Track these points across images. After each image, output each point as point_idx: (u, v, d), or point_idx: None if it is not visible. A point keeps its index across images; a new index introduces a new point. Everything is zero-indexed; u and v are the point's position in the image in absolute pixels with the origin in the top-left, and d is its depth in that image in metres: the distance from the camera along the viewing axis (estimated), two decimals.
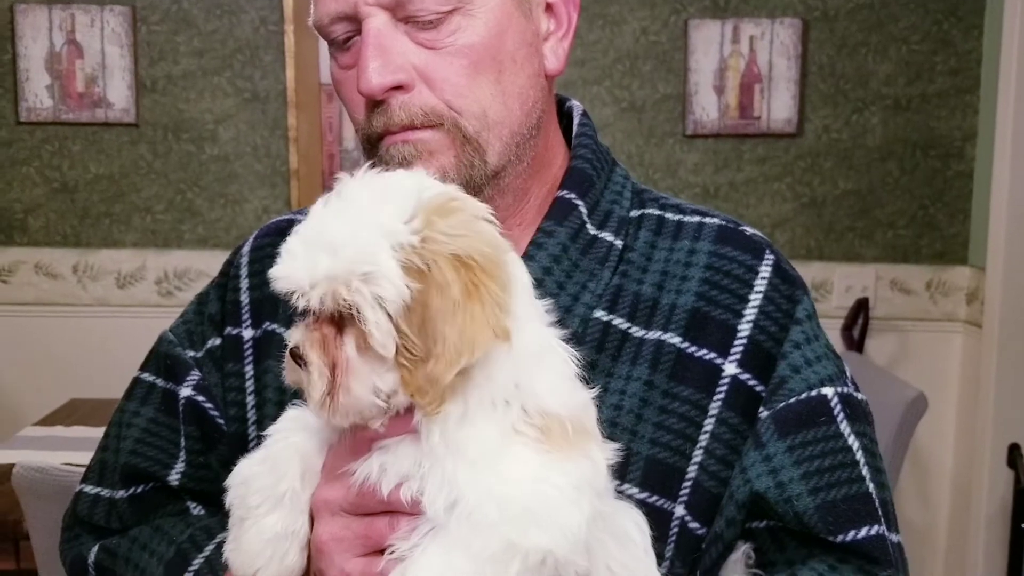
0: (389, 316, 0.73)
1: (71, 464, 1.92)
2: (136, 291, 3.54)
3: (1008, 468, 3.19)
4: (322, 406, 0.76)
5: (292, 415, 0.86)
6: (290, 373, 0.80)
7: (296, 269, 0.77)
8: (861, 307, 3.38)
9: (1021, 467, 3.14)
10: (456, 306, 0.74)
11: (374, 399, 0.75)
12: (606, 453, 0.80)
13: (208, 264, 3.50)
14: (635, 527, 0.84)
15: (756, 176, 3.43)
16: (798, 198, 3.44)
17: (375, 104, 0.92)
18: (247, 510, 0.83)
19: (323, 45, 3.52)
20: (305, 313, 0.78)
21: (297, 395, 0.89)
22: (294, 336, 0.79)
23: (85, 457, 2.31)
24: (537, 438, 0.76)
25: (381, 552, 0.78)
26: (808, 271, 3.38)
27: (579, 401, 0.80)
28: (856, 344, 3.37)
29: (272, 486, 0.82)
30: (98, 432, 2.89)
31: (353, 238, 0.75)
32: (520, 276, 0.80)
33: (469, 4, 0.91)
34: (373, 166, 0.93)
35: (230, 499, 0.84)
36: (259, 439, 1.01)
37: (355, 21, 0.92)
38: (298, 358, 0.78)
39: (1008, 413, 3.20)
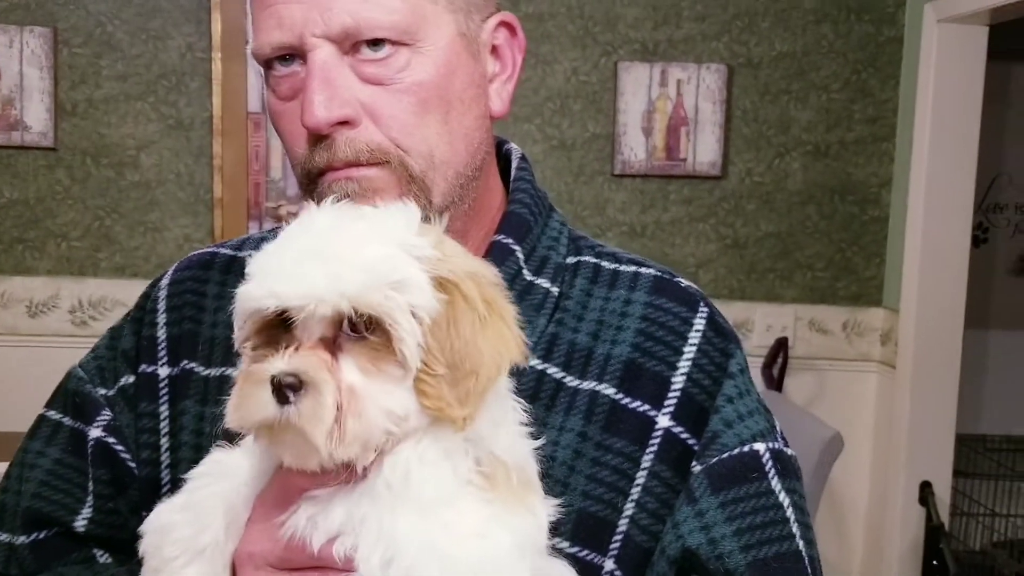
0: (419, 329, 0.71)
1: None
2: (48, 320, 3.42)
3: (920, 505, 3.27)
4: (328, 437, 0.70)
5: (216, 459, 0.81)
6: (258, 409, 0.72)
7: (300, 282, 0.71)
8: (781, 346, 3.45)
9: (932, 505, 3.22)
10: (484, 321, 0.72)
11: (388, 424, 0.71)
12: (547, 509, 0.78)
13: (125, 293, 3.41)
14: None
15: (682, 216, 3.49)
16: (721, 239, 3.51)
17: (318, 139, 0.89)
18: (162, 561, 0.78)
19: (252, 74, 3.47)
20: (266, 342, 0.73)
21: (217, 437, 0.85)
22: (276, 365, 0.71)
23: None
24: (482, 486, 0.74)
25: None
26: (730, 310, 3.44)
27: (524, 451, 0.78)
28: (776, 383, 3.43)
29: (192, 538, 0.77)
30: (4, 468, 2.77)
31: (375, 249, 0.72)
32: None
33: (420, 41, 0.89)
34: (312, 201, 0.90)
35: (144, 547, 0.80)
36: (172, 484, 0.98)
37: (299, 52, 0.89)
38: (287, 388, 0.70)
39: (920, 452, 3.29)
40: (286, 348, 0.71)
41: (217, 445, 0.82)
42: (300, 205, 0.93)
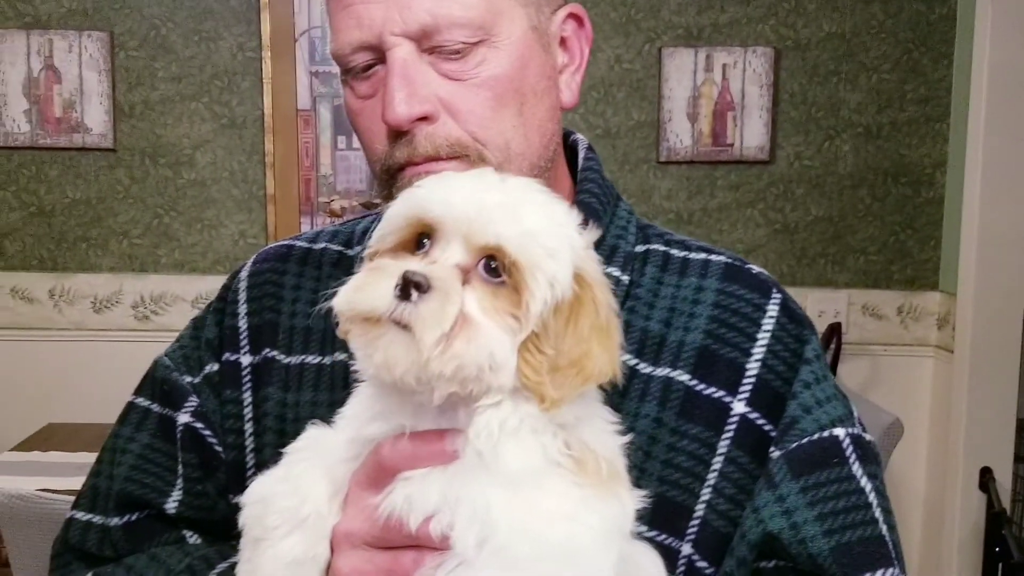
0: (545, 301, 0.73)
1: (48, 490, 1.92)
2: (112, 315, 3.52)
3: (980, 492, 3.21)
4: (436, 345, 0.70)
5: (313, 435, 0.83)
6: (375, 297, 0.72)
7: (475, 201, 0.73)
8: (834, 332, 3.41)
9: (993, 491, 3.16)
10: (601, 331, 0.75)
11: (486, 364, 0.72)
12: (635, 499, 0.79)
13: (184, 289, 3.50)
14: (655, 568, 0.84)
15: (729, 202, 3.47)
16: (771, 224, 3.47)
17: (398, 135, 0.92)
18: (264, 530, 0.79)
19: (301, 72, 3.53)
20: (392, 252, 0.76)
21: (300, 422, 0.87)
22: (410, 264, 0.73)
23: (63, 482, 2.30)
24: (573, 470, 0.75)
25: None
26: None
27: (614, 445, 0.80)
28: (829, 369, 3.39)
29: (295, 507, 0.79)
30: (76, 457, 2.89)
31: (545, 214, 0.75)
32: None
33: (494, 36, 0.92)
34: (389, 197, 0.92)
35: (244, 518, 0.81)
36: (257, 468, 1.01)
37: (378, 51, 0.92)
38: (414, 286, 0.71)
39: (979, 437, 3.23)
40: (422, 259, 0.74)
41: (312, 423, 0.84)
42: (351, 200, 0.95)
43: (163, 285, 3.52)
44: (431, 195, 0.75)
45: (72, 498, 1.11)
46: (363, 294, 0.73)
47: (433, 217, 0.75)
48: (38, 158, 3.46)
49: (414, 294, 0.71)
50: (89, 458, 1.12)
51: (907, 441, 3.23)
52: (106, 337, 3.51)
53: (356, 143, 3.64)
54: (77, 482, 1.13)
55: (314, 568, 0.80)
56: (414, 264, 0.73)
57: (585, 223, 1.00)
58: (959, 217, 3.29)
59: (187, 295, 3.50)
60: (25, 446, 2.94)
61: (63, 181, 3.48)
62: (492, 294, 0.73)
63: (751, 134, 3.41)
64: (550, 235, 0.74)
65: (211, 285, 3.30)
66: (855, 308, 3.49)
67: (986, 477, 3.21)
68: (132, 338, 3.47)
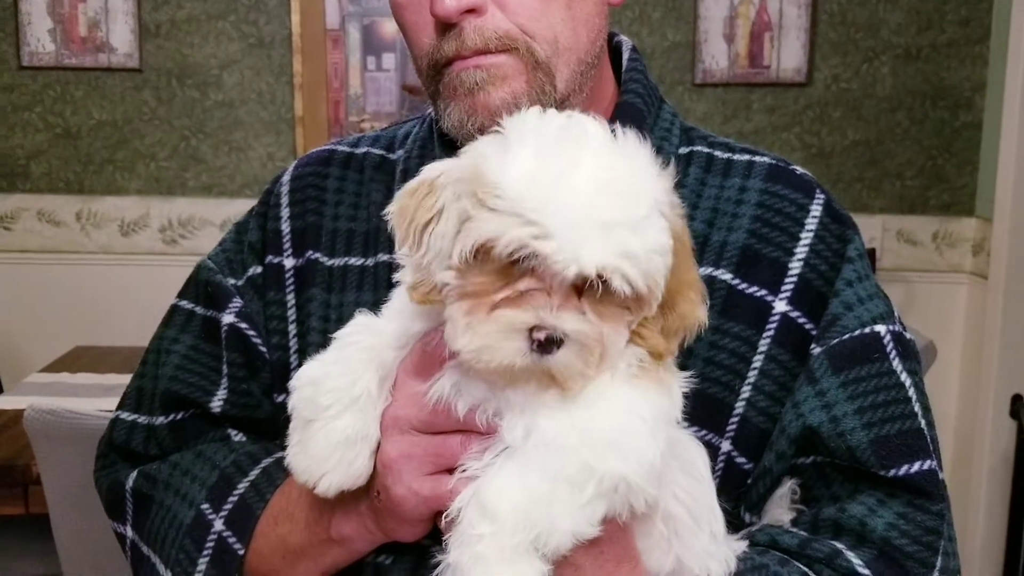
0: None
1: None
2: (140, 239, 3.52)
3: (1011, 419, 3.21)
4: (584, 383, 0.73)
5: (362, 322, 0.84)
6: (511, 355, 0.71)
7: (596, 251, 0.69)
8: (868, 258, 3.38)
9: None
10: (695, 282, 0.77)
11: (606, 366, 0.74)
12: (680, 381, 0.80)
13: (212, 212, 3.48)
14: (699, 457, 0.86)
15: (765, 126, 3.42)
16: (807, 148, 3.43)
17: (446, 28, 0.91)
18: (316, 411, 0.80)
19: None
20: (481, 268, 0.72)
21: (343, 323, 0.87)
22: (545, 319, 0.70)
23: (91, 403, 2.31)
24: (634, 373, 0.76)
25: (450, 472, 0.77)
26: None
27: None
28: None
29: (347, 387, 0.80)
30: (104, 379, 2.88)
31: (650, 217, 0.72)
32: None
33: None
34: (436, 92, 0.93)
35: (295, 401, 0.82)
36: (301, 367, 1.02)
37: None
38: (552, 343, 0.70)
39: (1012, 364, 3.22)
40: (548, 295, 0.71)
41: (360, 311, 0.85)
42: (381, 123, 0.92)
43: (190, 208, 3.50)
44: (554, 251, 0.69)
45: (103, 415, 1.10)
46: (496, 353, 0.71)
47: (543, 257, 0.69)
48: (63, 78, 3.43)
49: (554, 349, 0.71)
50: (117, 379, 1.13)
51: (939, 368, 3.22)
52: (133, 261, 3.51)
53: (386, 64, 3.58)
54: (105, 403, 1.13)
55: (365, 448, 0.81)
56: (548, 318, 0.70)
57: (632, 122, 0.96)
58: (997, 142, 3.24)
59: (215, 219, 3.48)
60: (54, 368, 2.95)
61: (88, 102, 3.45)
62: (603, 295, 0.72)
63: (788, 55, 3.35)
64: (658, 235, 0.72)
65: (239, 208, 3.28)
66: (890, 234, 3.45)
67: (1017, 404, 3.20)
68: (159, 262, 3.47)
